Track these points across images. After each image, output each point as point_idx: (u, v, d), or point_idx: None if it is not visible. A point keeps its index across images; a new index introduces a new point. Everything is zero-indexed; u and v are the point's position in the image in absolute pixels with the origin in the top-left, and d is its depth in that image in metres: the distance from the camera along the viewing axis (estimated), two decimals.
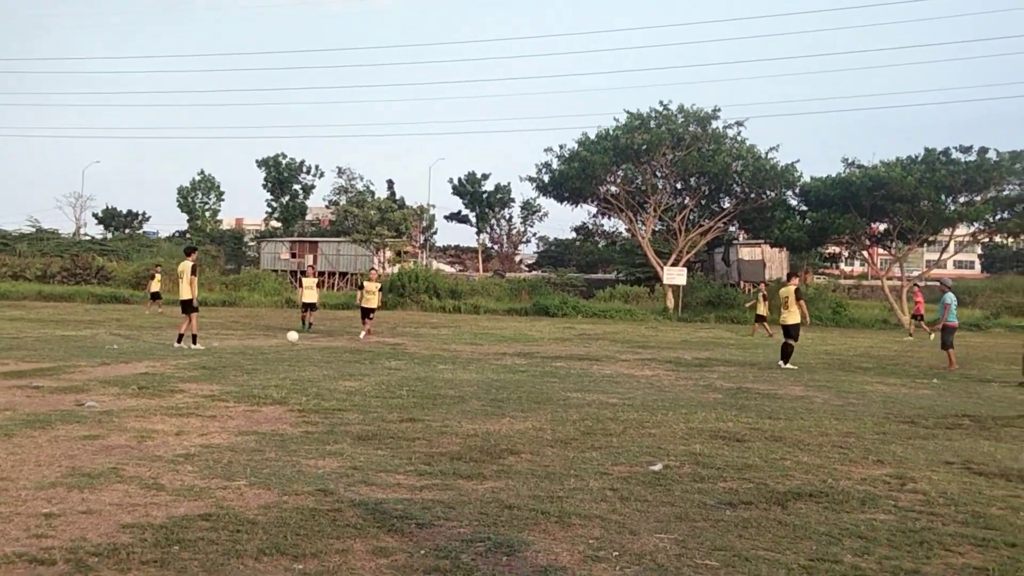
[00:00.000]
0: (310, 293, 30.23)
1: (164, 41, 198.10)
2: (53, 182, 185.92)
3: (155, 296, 38.06)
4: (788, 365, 19.89)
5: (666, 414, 12.22)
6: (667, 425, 11.30)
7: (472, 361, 19.44)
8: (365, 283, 28.12)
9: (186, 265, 20.65)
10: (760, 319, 33.66)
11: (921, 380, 18.25)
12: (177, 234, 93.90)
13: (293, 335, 23.32)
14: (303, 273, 33.87)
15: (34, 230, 76.06)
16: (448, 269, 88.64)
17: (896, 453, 9.89)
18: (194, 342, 20.47)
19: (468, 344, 24.80)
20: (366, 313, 26.89)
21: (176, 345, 20.36)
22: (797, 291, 20.73)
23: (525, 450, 9.45)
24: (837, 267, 62.82)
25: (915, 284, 42.63)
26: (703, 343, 28.29)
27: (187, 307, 20.45)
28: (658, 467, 8.75)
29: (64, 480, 7.52)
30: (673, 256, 49.49)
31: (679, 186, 50.18)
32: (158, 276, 38.40)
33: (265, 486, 7.54)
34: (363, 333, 26.11)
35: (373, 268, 32.40)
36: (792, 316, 20.54)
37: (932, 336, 33.82)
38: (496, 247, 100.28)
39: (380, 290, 28.88)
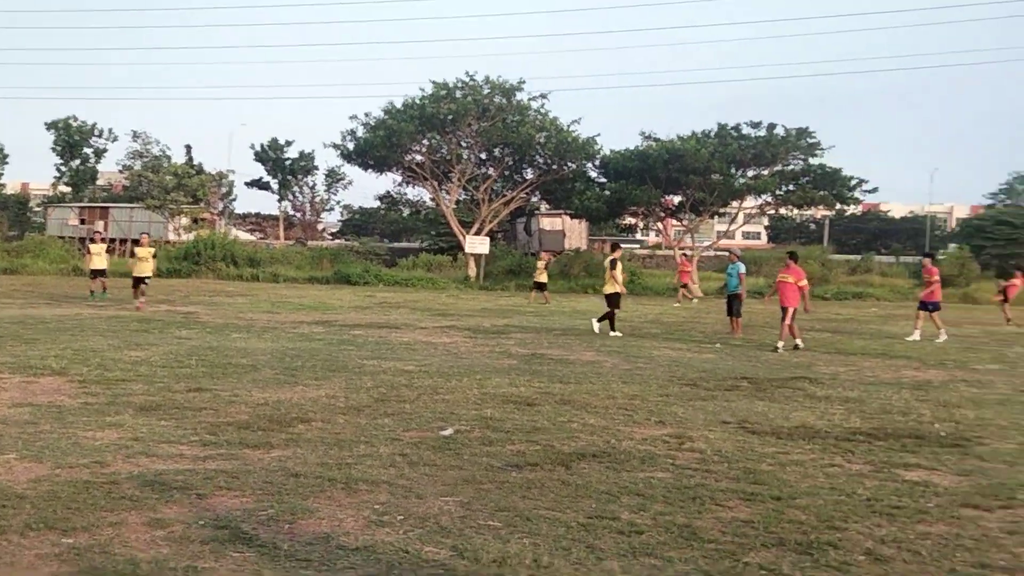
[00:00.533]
0: (99, 260, 28.95)
1: None
2: None
3: None
4: (614, 332, 20.28)
5: (460, 380, 12.32)
6: (461, 391, 11.39)
7: (267, 330, 19.09)
8: (137, 249, 27.19)
9: None
10: (539, 286, 34.41)
11: (705, 345, 19.00)
12: None
13: None
14: (91, 240, 32.26)
15: None
16: (248, 237, 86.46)
17: (677, 414, 10.27)
18: None
19: (265, 313, 24.30)
20: (138, 282, 25.72)
21: None
22: (612, 262, 21.30)
23: (316, 418, 9.35)
24: (634, 237, 64.67)
25: (684, 254, 44.25)
26: (502, 311, 28.61)
27: None
28: (448, 432, 8.82)
29: None
30: (476, 225, 49.77)
31: (483, 156, 50.42)
32: None
33: (37, 459, 7.21)
34: (138, 302, 24.83)
35: (144, 233, 31.12)
36: (609, 286, 21.10)
37: (695, 302, 35.26)
38: (298, 215, 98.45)
39: (154, 256, 28.00)
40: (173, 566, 4.92)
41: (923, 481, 7.42)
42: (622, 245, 26.27)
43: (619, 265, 21.52)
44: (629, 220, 53.65)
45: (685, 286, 37.48)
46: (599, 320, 20.82)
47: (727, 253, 26.04)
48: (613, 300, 21.06)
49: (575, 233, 62.43)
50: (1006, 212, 62.97)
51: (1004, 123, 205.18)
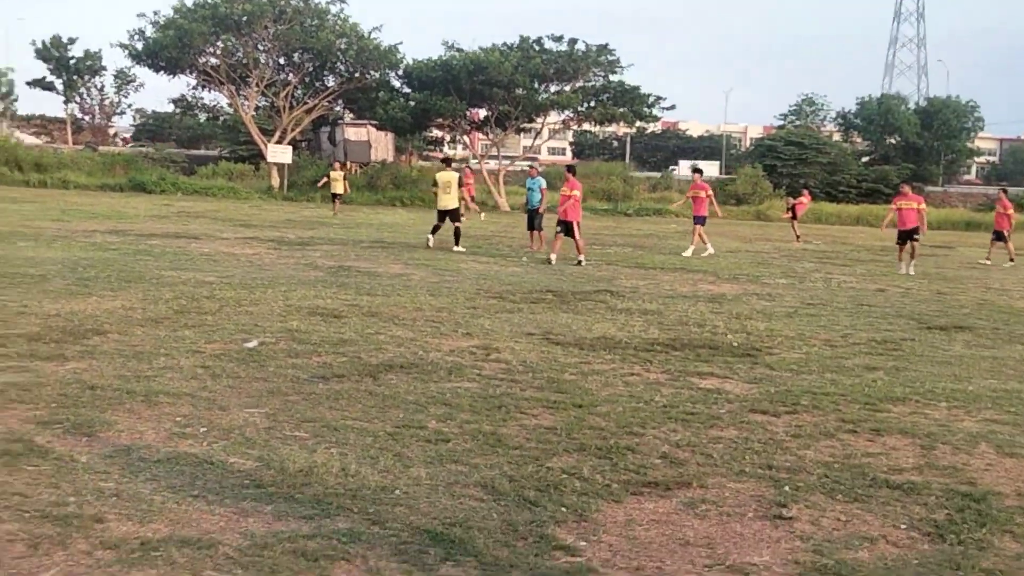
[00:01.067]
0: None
1: None
2: None
3: None
4: (458, 248, 20.13)
5: (265, 292, 12.11)
6: (265, 303, 11.19)
7: (58, 239, 18.21)
8: None
9: None
10: (336, 197, 34.17)
11: (512, 259, 19.27)
12: None
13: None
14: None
15: None
16: (34, 140, 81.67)
17: (484, 326, 10.41)
18: None
19: (54, 221, 23.11)
20: None
21: None
22: (459, 179, 21.45)
23: (112, 330, 9.03)
24: (441, 151, 64.38)
25: (467, 167, 44.40)
26: (308, 222, 28.16)
27: None
28: (253, 344, 8.68)
29: None
30: (277, 134, 48.55)
31: (282, 61, 49.05)
32: None
33: None
34: None
35: None
36: (452, 201, 20.93)
37: (482, 216, 35.26)
38: (87, 118, 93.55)
39: None
40: None
41: (716, 389, 7.79)
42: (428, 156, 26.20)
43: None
44: (436, 133, 53.47)
45: (473, 199, 37.48)
46: (456, 243, 20.53)
47: (529, 167, 26.30)
48: (456, 215, 21.00)
49: (381, 144, 61.63)
50: (795, 133, 65.90)
51: (797, 48, 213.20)
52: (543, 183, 22.46)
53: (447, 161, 22.82)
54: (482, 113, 48.61)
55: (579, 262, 18.28)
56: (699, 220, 22.88)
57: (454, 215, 21.03)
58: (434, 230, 21.00)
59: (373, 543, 4.23)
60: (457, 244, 20.39)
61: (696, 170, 27.87)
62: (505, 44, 46.05)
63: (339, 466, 5.24)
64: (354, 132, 61.87)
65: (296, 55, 48.04)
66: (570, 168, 20.86)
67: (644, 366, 8.63)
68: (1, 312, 9.64)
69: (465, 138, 51.45)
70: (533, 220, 22.23)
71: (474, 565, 4.08)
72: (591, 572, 4.10)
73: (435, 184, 21.57)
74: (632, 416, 6.70)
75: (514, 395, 7.20)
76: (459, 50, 46.06)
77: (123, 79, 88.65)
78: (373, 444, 5.73)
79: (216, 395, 6.74)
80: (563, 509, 4.80)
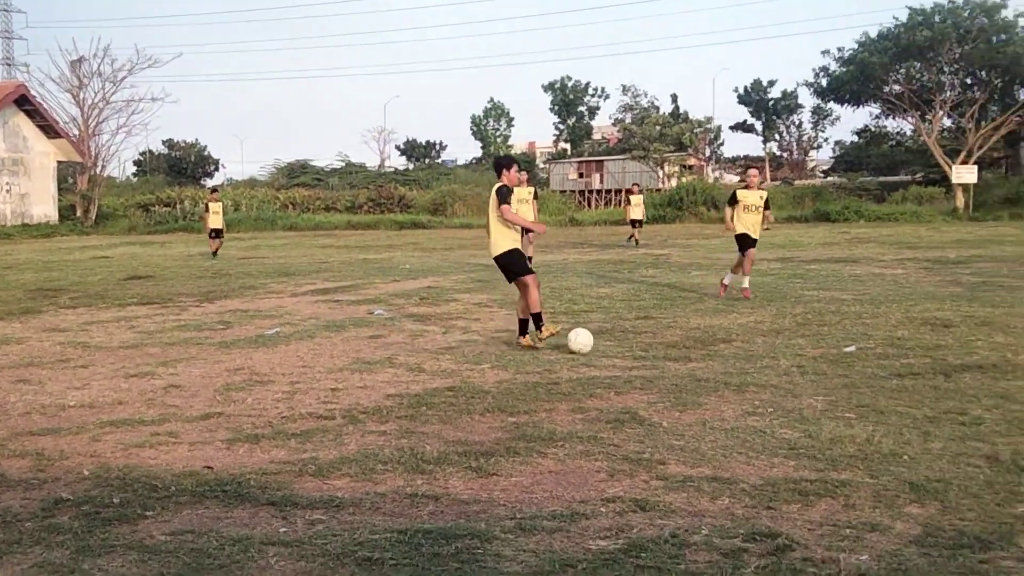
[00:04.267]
0: (637, 211, 30.88)
1: None
2: (358, 118, 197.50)
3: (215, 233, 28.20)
4: None
5: (889, 306, 12.99)
6: (884, 316, 12.12)
7: (727, 268, 20.47)
8: (631, 198, 30.09)
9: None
10: None
11: None
12: (473, 161, 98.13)
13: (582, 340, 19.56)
14: (629, 192, 34.00)
15: (343, 164, 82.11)
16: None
17: None
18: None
19: (732, 252, 25.61)
20: (635, 224, 28.36)
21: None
22: None
23: (737, 339, 10.68)
24: None
25: None
26: (979, 241, 27.79)
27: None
28: (851, 348, 9.77)
29: (349, 366, 9.52)
30: (963, 154, 47.62)
31: (968, 81, 48.06)
32: (213, 205, 28.57)
33: (504, 368, 9.24)
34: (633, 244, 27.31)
35: (636, 183, 33.84)
36: None
37: None
38: (786, 155, 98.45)
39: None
40: (580, 435, 6.56)
41: None
42: None
43: None
44: None
45: None
46: None
47: None
48: None
49: None
50: None
51: None
52: None
53: None
54: None
55: None
56: None
57: None
58: None
59: (857, 487, 5.27)
60: None
61: None
62: None
63: (864, 437, 6.26)
64: None
65: (982, 73, 46.85)
66: None
67: None
68: (655, 327, 11.78)
69: None
70: None
71: (937, 508, 4.94)
72: None
73: None
74: None
75: None
76: None
77: (820, 114, 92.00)
78: (908, 424, 6.62)
79: (796, 387, 8.01)
80: None
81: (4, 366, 9.98)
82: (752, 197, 14.95)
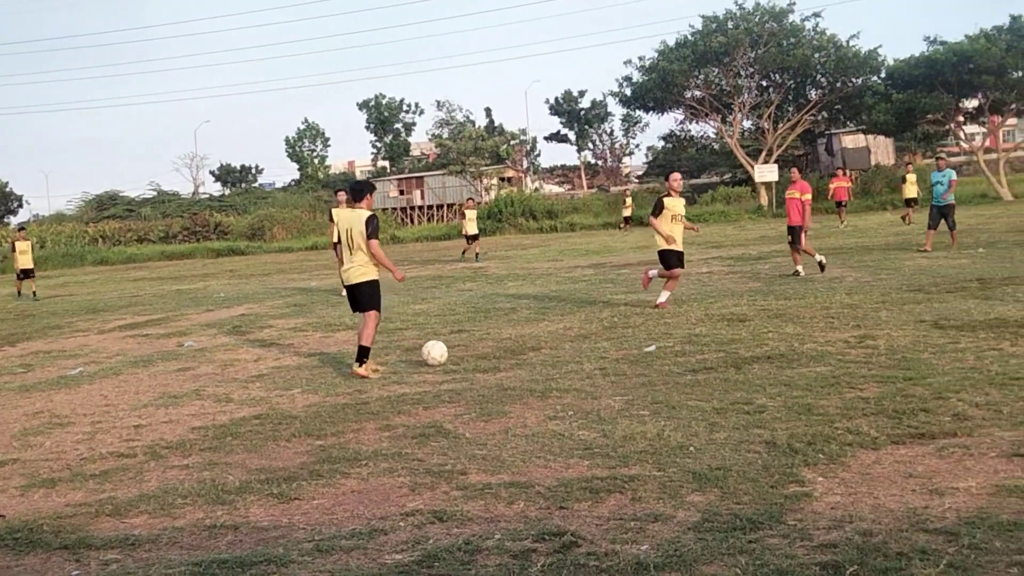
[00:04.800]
0: (472, 225, 30.64)
1: None
2: (168, 145, 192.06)
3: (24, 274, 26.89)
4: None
5: (691, 305, 13.54)
6: (685, 315, 12.63)
7: (542, 276, 20.95)
8: (466, 211, 30.00)
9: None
10: (909, 203, 30.91)
11: (968, 251, 19.02)
12: (292, 183, 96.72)
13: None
14: (464, 207, 33.31)
15: (155, 193, 79.76)
16: (557, 189, 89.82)
17: (880, 318, 11.06)
18: None
19: (549, 261, 26.27)
20: (471, 239, 28.40)
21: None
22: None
23: (546, 346, 10.95)
24: (939, 148, 61.80)
25: (838, 169, 41.34)
26: (780, 237, 29.01)
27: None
28: (652, 348, 10.16)
29: (154, 402, 9.35)
30: (763, 153, 49.84)
31: (763, 84, 50.38)
32: (20, 244, 27.07)
33: (314, 392, 9.24)
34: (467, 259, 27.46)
35: (470, 198, 34.31)
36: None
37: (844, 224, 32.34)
38: (600, 162, 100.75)
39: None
40: (386, 452, 6.64)
41: None
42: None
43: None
44: (927, 129, 51.80)
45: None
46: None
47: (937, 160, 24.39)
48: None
49: (881, 148, 60.60)
50: None
51: None
52: (953, 175, 20.91)
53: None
54: (972, 103, 46.42)
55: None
56: None
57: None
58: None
59: (645, 481, 5.52)
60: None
61: None
62: (993, 27, 43.81)
63: (655, 432, 6.56)
64: (851, 140, 61.36)
65: (776, 75, 49.15)
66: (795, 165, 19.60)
67: (1013, 341, 8.95)
68: (468, 339, 11.96)
69: (960, 132, 49.22)
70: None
71: (716, 494, 5.23)
72: (806, 497, 5.09)
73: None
74: (954, 384, 7.31)
75: (855, 374, 8.03)
76: (942, 43, 44.53)
77: (630, 121, 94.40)
78: (696, 417, 6.96)
79: (597, 389, 8.29)
80: (820, 456, 5.76)
81: None
82: (678, 205, 14.02)
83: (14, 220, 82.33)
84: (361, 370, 9.87)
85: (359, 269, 10.07)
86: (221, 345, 13.27)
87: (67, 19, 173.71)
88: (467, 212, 30.98)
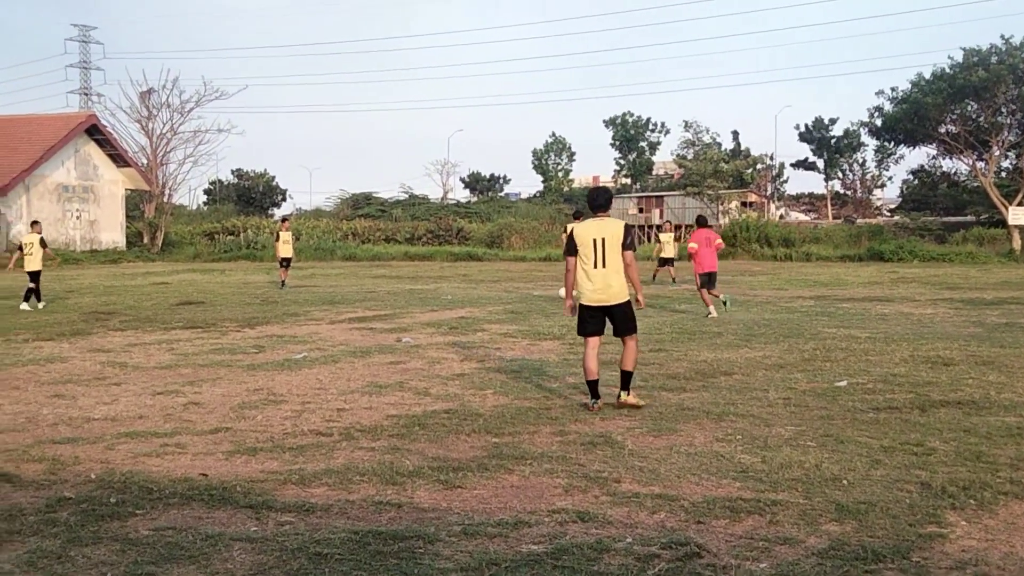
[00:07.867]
0: (668, 248, 30.94)
1: (522, 10, 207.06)
2: (422, 151, 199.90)
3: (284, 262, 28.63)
4: None
5: (899, 344, 13.25)
6: (890, 353, 12.40)
7: (761, 304, 20.85)
8: (661, 235, 30.06)
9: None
10: None
11: None
12: (537, 195, 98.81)
13: None
14: (659, 228, 34.08)
15: (407, 196, 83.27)
16: (803, 217, 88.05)
17: None
18: None
19: (772, 289, 26.01)
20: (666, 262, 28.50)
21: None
22: None
23: (738, 372, 11.07)
24: None
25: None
26: (1023, 283, 27.74)
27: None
28: (843, 383, 10.12)
29: (361, 389, 10.11)
30: (1020, 195, 47.24)
31: None
32: (284, 234, 28.93)
33: (504, 394, 9.75)
34: (679, 284, 27.62)
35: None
36: None
37: None
38: (849, 192, 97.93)
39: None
40: (552, 455, 7.05)
41: None
42: None
43: None
44: None
45: None
46: None
47: None
48: None
49: None
50: None
51: None
52: None
53: None
54: None
55: None
56: None
57: None
58: None
59: (788, 507, 5.69)
60: None
61: None
62: None
63: (813, 463, 6.67)
64: None
65: None
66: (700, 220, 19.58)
67: None
68: (665, 359, 12.21)
69: None
70: None
71: (853, 526, 5.35)
72: (940, 537, 5.14)
73: None
74: None
75: None
76: None
77: (883, 153, 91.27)
78: (861, 453, 7.00)
79: (773, 417, 8.41)
80: (971, 501, 5.76)
81: (45, 382, 10.74)
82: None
83: (277, 212, 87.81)
84: (631, 398, 9.00)
85: (621, 286, 9.01)
86: (435, 344, 14.04)
87: (342, 24, 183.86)
88: (662, 236, 31.02)
